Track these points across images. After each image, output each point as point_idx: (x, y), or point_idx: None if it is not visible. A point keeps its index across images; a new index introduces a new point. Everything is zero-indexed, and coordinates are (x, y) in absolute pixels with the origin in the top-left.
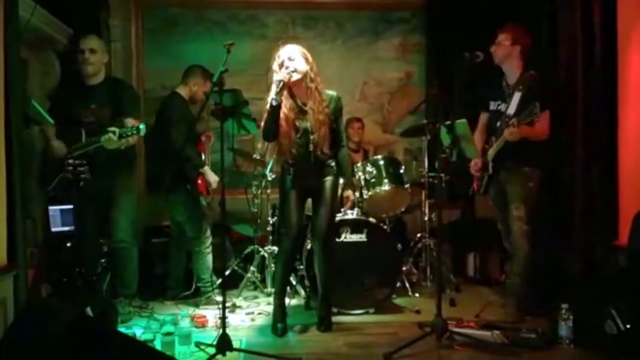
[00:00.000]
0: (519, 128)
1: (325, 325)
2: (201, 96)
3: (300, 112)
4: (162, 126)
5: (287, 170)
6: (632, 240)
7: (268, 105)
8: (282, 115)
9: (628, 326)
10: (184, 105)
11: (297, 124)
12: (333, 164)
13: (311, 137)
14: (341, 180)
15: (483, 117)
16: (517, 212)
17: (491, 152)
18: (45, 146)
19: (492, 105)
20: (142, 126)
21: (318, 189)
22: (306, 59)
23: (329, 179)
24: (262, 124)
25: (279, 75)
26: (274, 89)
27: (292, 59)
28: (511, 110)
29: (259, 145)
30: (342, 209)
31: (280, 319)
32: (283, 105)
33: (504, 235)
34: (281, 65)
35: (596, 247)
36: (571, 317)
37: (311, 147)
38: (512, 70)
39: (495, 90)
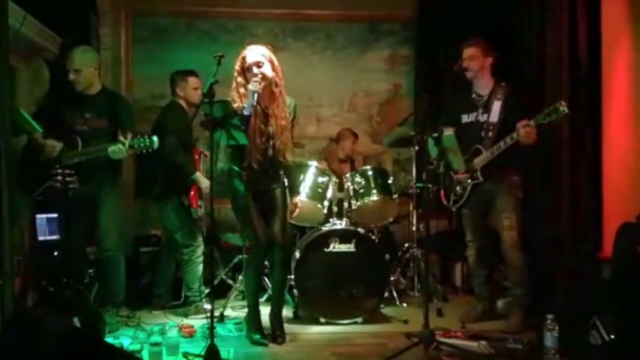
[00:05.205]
0: (536, 128)
1: (281, 338)
2: (195, 96)
3: (264, 116)
4: (157, 134)
5: (238, 176)
6: (615, 253)
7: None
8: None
9: (612, 337)
10: (181, 113)
11: (261, 127)
12: (282, 172)
13: (271, 142)
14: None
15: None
16: (509, 221)
17: (480, 161)
18: (23, 149)
19: (465, 118)
20: (155, 138)
21: (270, 197)
22: (272, 63)
23: (279, 187)
24: None
25: (251, 86)
26: (250, 100)
27: (259, 66)
28: (493, 118)
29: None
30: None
31: (258, 330)
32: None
33: (476, 247)
34: (247, 69)
35: (581, 259)
36: (557, 327)
37: (271, 152)
38: (484, 82)
39: (465, 102)
